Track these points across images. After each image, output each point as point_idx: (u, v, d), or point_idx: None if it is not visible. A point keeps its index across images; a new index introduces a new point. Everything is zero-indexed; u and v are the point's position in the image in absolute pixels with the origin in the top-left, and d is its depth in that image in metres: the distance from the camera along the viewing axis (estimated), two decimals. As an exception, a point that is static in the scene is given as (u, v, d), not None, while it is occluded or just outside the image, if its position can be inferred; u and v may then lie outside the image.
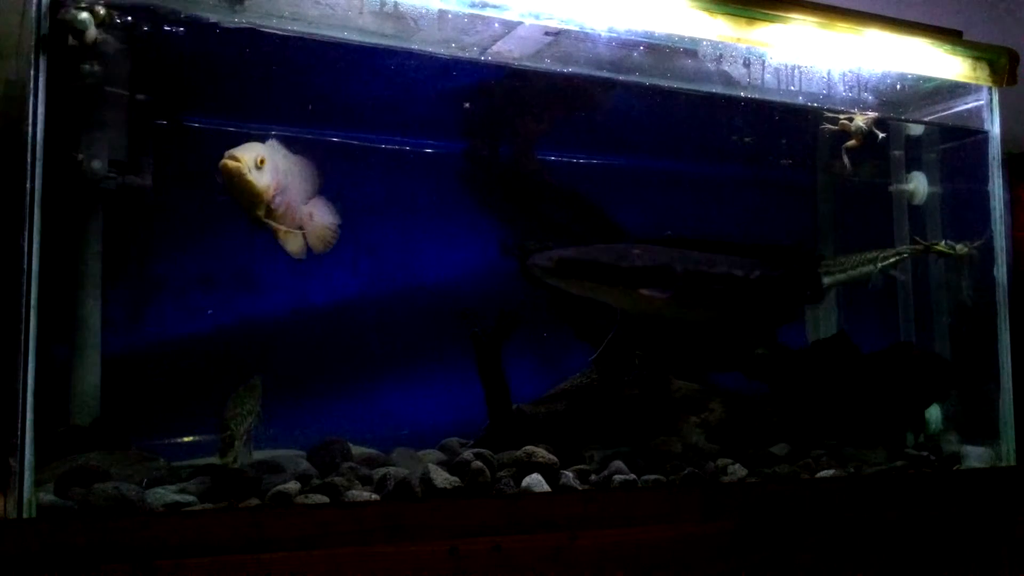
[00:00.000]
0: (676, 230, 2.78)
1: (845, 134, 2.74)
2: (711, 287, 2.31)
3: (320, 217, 2.16)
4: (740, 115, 2.75)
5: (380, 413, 2.57)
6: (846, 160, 2.78)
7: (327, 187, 2.48)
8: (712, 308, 2.34)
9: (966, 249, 2.78)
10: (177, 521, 1.68)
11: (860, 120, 2.70)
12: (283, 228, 2.01)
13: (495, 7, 2.15)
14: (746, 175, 3.06)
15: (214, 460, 1.99)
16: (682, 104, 2.63)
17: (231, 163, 1.87)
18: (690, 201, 2.97)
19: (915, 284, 2.99)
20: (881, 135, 2.72)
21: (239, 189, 1.89)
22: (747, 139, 2.82)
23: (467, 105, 2.61)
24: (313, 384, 2.47)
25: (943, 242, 2.83)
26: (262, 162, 1.90)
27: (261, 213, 1.96)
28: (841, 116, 2.70)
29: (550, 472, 2.06)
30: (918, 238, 2.88)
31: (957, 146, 2.92)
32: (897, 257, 2.88)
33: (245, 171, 1.87)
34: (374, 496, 1.89)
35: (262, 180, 1.91)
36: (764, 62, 2.53)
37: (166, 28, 2.06)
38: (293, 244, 2.07)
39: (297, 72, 2.35)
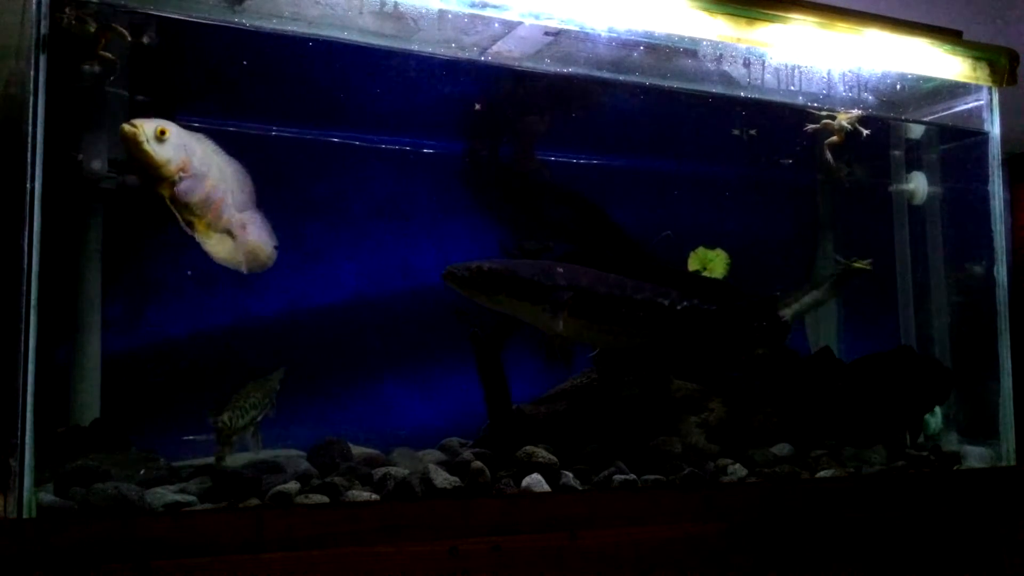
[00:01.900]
0: (675, 230, 2.79)
1: (828, 131, 2.74)
2: (632, 314, 2.25)
3: (255, 233, 2.09)
4: (740, 115, 2.75)
5: (380, 413, 2.57)
6: (828, 157, 2.77)
7: (323, 194, 2.48)
8: (634, 335, 2.28)
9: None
10: (177, 521, 1.68)
11: (842, 117, 2.69)
12: (206, 219, 1.94)
13: (495, 7, 2.15)
14: (745, 175, 3.06)
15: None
16: (682, 104, 2.63)
17: (127, 128, 1.81)
18: (689, 201, 2.97)
19: (915, 285, 2.99)
20: (865, 132, 2.71)
21: (136, 158, 1.83)
22: (747, 139, 2.81)
23: (477, 107, 2.59)
24: (313, 384, 2.47)
25: (865, 261, 2.85)
26: (163, 133, 1.83)
27: (165, 193, 1.87)
28: (823, 113, 2.70)
29: (550, 472, 2.06)
30: (838, 256, 2.89)
31: (957, 146, 2.92)
32: (832, 277, 2.90)
33: (142, 139, 1.81)
34: (374, 496, 1.89)
35: (162, 152, 1.83)
36: (764, 62, 2.53)
37: (166, 29, 2.06)
38: (215, 247, 2.00)
39: (296, 72, 2.35)
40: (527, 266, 2.20)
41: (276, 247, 2.12)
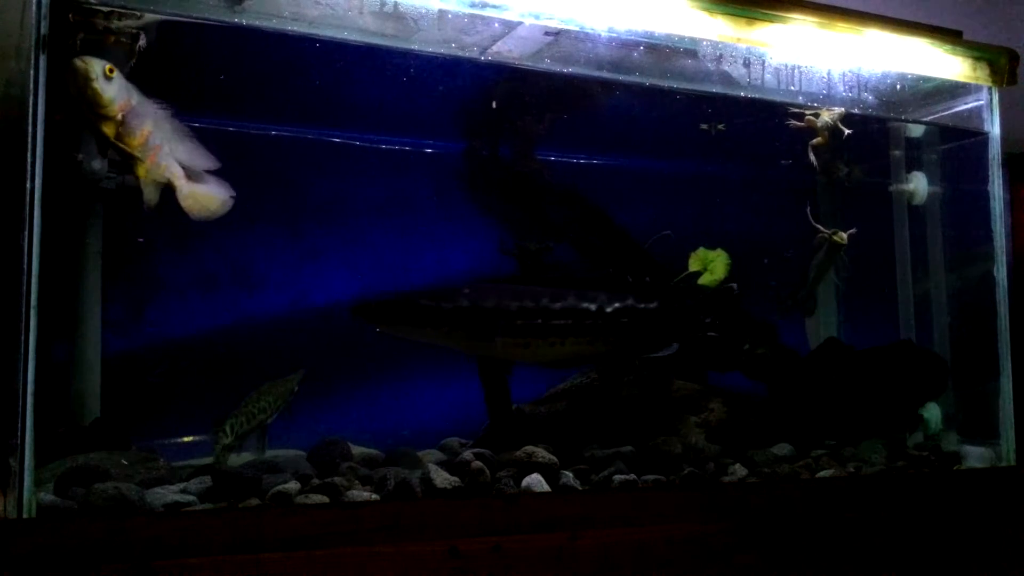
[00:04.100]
0: (676, 230, 2.79)
1: (811, 131, 2.70)
2: (553, 324, 2.21)
3: (199, 184, 2.07)
4: (739, 115, 2.75)
5: (380, 413, 2.57)
6: (812, 158, 2.74)
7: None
8: (560, 345, 2.23)
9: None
10: (177, 521, 1.68)
11: (826, 116, 2.66)
12: (146, 164, 1.95)
13: (495, 7, 2.15)
14: (745, 175, 3.06)
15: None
16: (682, 104, 2.63)
17: (79, 64, 1.82)
18: (689, 200, 2.97)
19: (915, 285, 2.99)
20: (847, 131, 2.67)
21: (84, 95, 1.84)
22: (714, 134, 2.78)
23: (494, 104, 2.58)
24: (313, 384, 2.47)
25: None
26: (111, 71, 1.86)
27: (109, 131, 1.90)
28: (807, 112, 2.67)
29: (550, 472, 2.06)
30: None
31: (957, 146, 2.92)
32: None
33: (93, 75, 1.83)
34: (374, 496, 1.89)
35: (109, 91, 1.86)
36: (764, 62, 2.53)
37: (166, 28, 2.06)
38: (152, 194, 1.99)
39: (295, 72, 2.35)
40: (427, 293, 2.19)
41: (233, 197, 2.10)
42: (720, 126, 2.75)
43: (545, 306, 2.21)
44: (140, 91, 1.93)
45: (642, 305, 2.31)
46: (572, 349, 2.25)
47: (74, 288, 2.22)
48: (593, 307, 2.26)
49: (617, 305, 2.28)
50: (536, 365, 2.32)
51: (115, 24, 1.92)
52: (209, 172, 2.07)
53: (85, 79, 1.82)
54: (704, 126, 2.75)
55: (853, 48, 2.49)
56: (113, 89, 1.86)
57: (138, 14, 1.95)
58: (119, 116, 1.89)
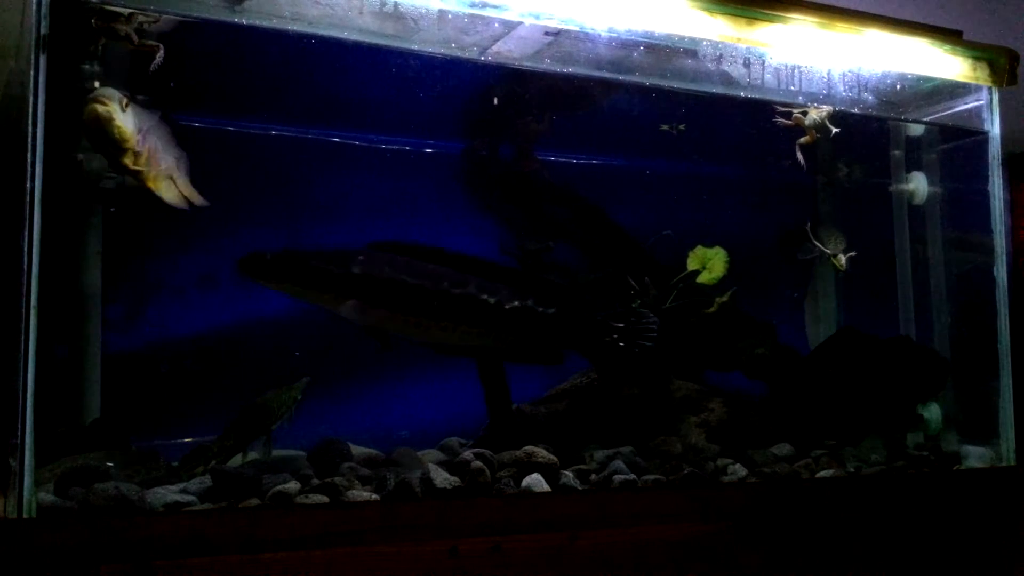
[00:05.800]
0: (676, 229, 2.79)
1: (799, 129, 2.64)
2: (448, 309, 2.16)
3: (186, 172, 2.07)
4: (739, 115, 2.75)
5: (380, 413, 2.57)
6: (800, 158, 2.70)
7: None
8: (451, 331, 2.19)
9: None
10: (177, 521, 1.68)
11: (814, 114, 2.62)
12: (152, 173, 1.87)
13: (495, 7, 2.15)
14: (745, 175, 3.06)
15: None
16: (682, 104, 2.63)
17: (100, 108, 1.71)
18: (689, 200, 2.97)
19: (915, 286, 2.99)
20: (834, 130, 2.64)
21: (108, 136, 1.75)
22: (676, 134, 2.76)
23: (496, 100, 2.56)
24: (313, 383, 2.47)
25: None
26: (127, 104, 1.77)
27: (129, 161, 1.81)
28: (795, 110, 2.65)
29: (550, 472, 2.06)
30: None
31: (957, 146, 2.92)
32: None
33: (116, 115, 1.74)
34: (374, 496, 1.89)
35: (129, 124, 1.77)
36: (764, 62, 2.53)
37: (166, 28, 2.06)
38: (168, 192, 1.96)
39: (295, 72, 2.35)
40: (319, 254, 2.12)
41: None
42: (681, 127, 2.73)
43: (446, 290, 2.16)
44: (133, 96, 1.89)
45: (540, 309, 2.27)
46: (461, 338, 2.21)
47: (74, 288, 2.22)
48: (492, 300, 2.21)
49: (516, 304, 2.24)
50: (422, 346, 2.27)
51: (136, 37, 1.87)
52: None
53: (109, 121, 1.74)
54: (665, 127, 2.73)
55: (853, 48, 2.49)
56: (132, 120, 1.79)
57: (157, 22, 1.91)
58: (137, 139, 1.82)
